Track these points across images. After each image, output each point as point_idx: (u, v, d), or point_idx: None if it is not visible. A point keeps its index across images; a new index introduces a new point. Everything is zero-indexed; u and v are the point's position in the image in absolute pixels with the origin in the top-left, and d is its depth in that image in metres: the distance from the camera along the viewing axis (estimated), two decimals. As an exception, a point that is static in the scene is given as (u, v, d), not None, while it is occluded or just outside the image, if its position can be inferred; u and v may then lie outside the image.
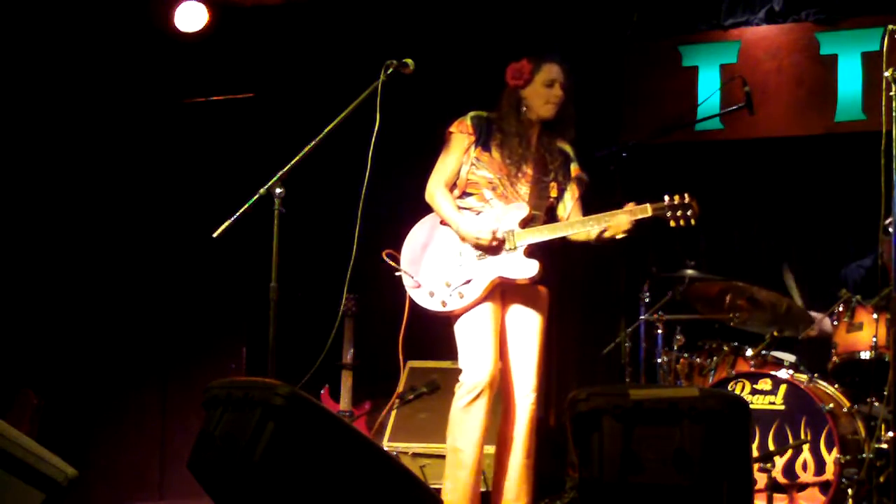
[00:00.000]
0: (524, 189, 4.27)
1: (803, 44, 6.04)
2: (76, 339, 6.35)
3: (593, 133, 5.95)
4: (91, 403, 6.30)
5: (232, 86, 6.59)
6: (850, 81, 5.91)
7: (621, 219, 4.15)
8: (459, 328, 4.22)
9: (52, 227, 6.37)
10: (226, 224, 3.84)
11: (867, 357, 4.68)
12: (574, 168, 4.39)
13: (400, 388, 5.44)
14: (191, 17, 6.32)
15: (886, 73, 3.81)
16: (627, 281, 4.40)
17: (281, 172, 3.88)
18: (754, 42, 6.14)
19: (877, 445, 4.37)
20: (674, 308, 5.32)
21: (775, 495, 4.43)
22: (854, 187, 5.53)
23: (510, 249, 4.20)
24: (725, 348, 5.07)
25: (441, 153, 4.34)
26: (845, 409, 4.67)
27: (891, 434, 3.97)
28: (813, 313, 5.08)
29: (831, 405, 4.59)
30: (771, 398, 4.70)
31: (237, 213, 3.86)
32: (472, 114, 4.34)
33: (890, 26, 3.85)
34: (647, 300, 5.32)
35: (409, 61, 4.07)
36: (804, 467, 4.56)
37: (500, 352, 4.26)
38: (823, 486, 4.51)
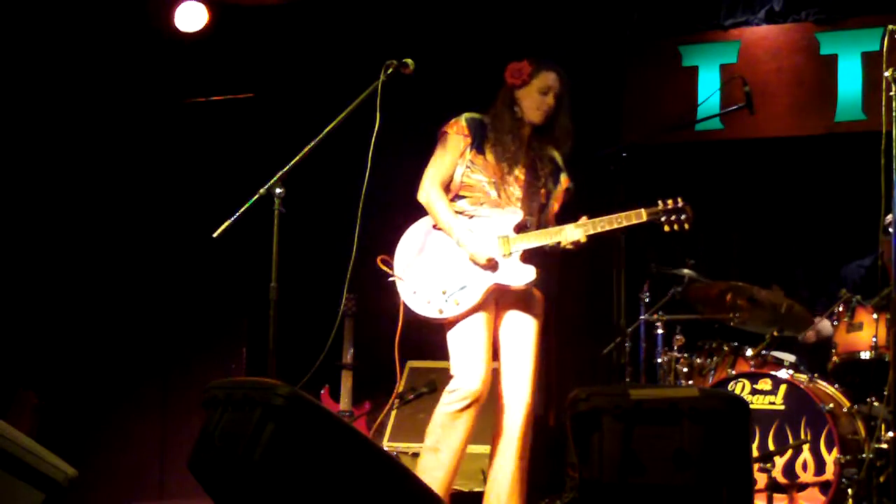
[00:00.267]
0: (517, 193, 4.27)
1: (803, 44, 6.04)
2: (76, 339, 6.34)
3: (593, 133, 5.97)
4: (91, 403, 6.29)
5: (232, 86, 6.59)
6: (850, 81, 5.91)
7: (575, 232, 4.15)
8: (453, 335, 4.20)
9: (52, 227, 6.37)
10: (226, 224, 3.84)
11: (867, 357, 4.68)
12: (564, 179, 4.38)
13: (400, 388, 5.45)
14: (191, 17, 6.32)
15: (886, 73, 3.81)
16: (627, 281, 4.38)
17: (281, 172, 3.88)
18: (754, 42, 6.14)
19: (877, 445, 4.36)
20: (674, 308, 5.32)
21: (775, 495, 4.43)
22: (854, 187, 5.52)
23: (506, 255, 4.19)
24: (725, 348, 5.07)
25: (435, 153, 4.32)
26: (845, 409, 4.67)
27: (891, 434, 3.97)
28: (816, 319, 5.07)
29: (831, 405, 4.59)
30: (771, 398, 4.69)
31: (237, 213, 3.85)
32: (466, 115, 4.32)
33: (890, 26, 3.85)
34: (647, 300, 5.32)
35: (409, 61, 4.07)
36: (804, 467, 4.56)
37: (496, 356, 4.25)
38: (823, 486, 4.51)
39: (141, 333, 6.43)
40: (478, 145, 4.27)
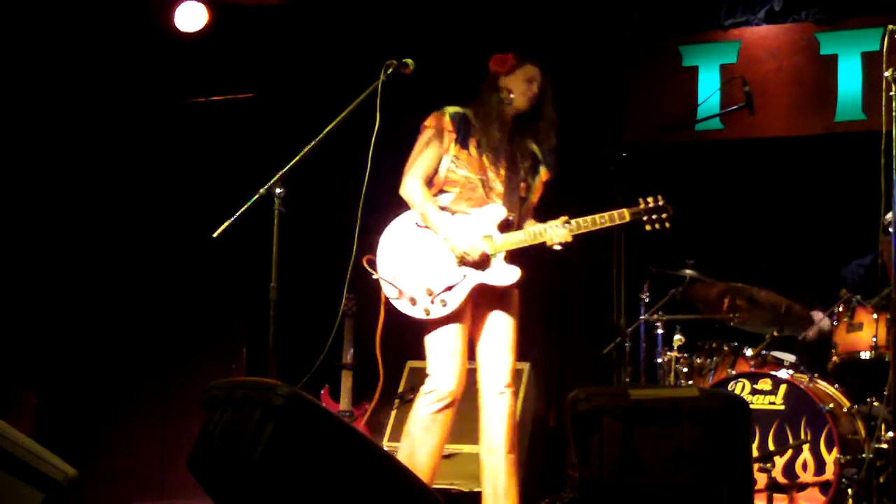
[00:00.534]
0: (499, 188, 4.25)
1: (803, 44, 6.04)
2: (76, 339, 6.35)
3: (593, 133, 5.98)
4: (91, 403, 6.30)
5: (232, 86, 6.59)
6: (850, 81, 5.90)
7: (561, 232, 4.15)
8: (430, 334, 4.19)
9: (53, 227, 6.37)
10: (226, 224, 3.83)
11: (867, 357, 4.68)
12: (543, 171, 4.37)
13: (401, 388, 5.46)
14: (191, 17, 6.32)
15: (886, 73, 3.81)
16: (627, 281, 4.39)
17: (281, 172, 3.87)
18: (754, 42, 6.13)
19: (877, 445, 4.36)
20: (674, 308, 5.31)
21: (775, 495, 4.43)
22: (854, 187, 5.52)
23: (491, 255, 4.17)
24: (725, 348, 5.07)
25: (416, 146, 4.29)
26: (845, 409, 4.66)
27: (891, 434, 3.97)
28: (814, 313, 5.08)
29: (831, 405, 4.59)
30: (771, 398, 4.69)
31: (237, 213, 3.85)
32: (449, 109, 4.30)
33: (890, 26, 3.85)
34: (647, 300, 5.32)
35: (409, 61, 4.06)
36: (804, 467, 4.56)
37: (473, 353, 4.24)
38: (823, 486, 4.51)
39: (141, 333, 6.43)
40: (462, 140, 4.26)
